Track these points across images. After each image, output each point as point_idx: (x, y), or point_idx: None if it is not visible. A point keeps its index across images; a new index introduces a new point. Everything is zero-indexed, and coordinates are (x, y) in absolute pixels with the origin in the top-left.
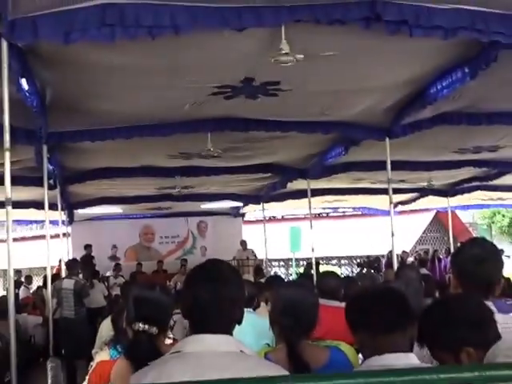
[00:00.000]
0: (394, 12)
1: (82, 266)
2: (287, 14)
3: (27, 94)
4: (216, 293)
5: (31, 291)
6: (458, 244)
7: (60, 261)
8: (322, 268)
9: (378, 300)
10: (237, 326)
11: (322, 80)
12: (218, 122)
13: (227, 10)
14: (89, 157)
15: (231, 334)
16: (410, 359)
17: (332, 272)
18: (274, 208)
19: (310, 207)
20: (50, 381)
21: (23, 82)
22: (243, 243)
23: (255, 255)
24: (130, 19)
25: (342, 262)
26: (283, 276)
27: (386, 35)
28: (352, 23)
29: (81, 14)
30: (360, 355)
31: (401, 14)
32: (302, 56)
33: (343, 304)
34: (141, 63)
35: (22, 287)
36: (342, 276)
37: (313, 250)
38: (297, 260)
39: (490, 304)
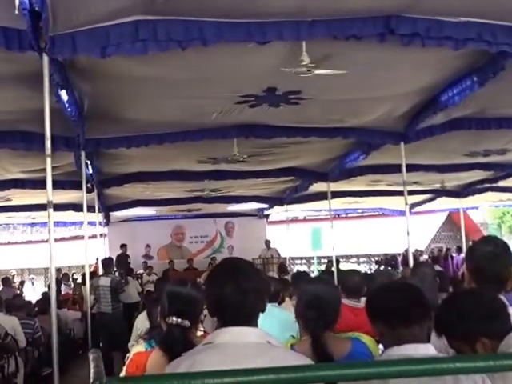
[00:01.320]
0: (408, 25)
1: (118, 264)
2: (307, 30)
3: (66, 105)
4: (237, 286)
5: (71, 287)
6: (470, 242)
7: (97, 259)
8: (342, 265)
9: (396, 294)
10: (263, 319)
11: (340, 89)
12: (243, 129)
13: (251, 25)
14: (124, 162)
15: (256, 325)
16: (428, 349)
17: (354, 270)
18: (297, 209)
19: (330, 208)
20: (92, 370)
21: (63, 93)
22: (267, 243)
23: (279, 254)
24: (161, 34)
25: (361, 259)
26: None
27: (400, 47)
28: (367, 36)
29: (116, 30)
30: (380, 346)
31: (414, 27)
32: (318, 72)
33: (363, 304)
34: (171, 75)
35: (63, 284)
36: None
37: (333, 248)
38: (318, 258)
39: (502, 298)
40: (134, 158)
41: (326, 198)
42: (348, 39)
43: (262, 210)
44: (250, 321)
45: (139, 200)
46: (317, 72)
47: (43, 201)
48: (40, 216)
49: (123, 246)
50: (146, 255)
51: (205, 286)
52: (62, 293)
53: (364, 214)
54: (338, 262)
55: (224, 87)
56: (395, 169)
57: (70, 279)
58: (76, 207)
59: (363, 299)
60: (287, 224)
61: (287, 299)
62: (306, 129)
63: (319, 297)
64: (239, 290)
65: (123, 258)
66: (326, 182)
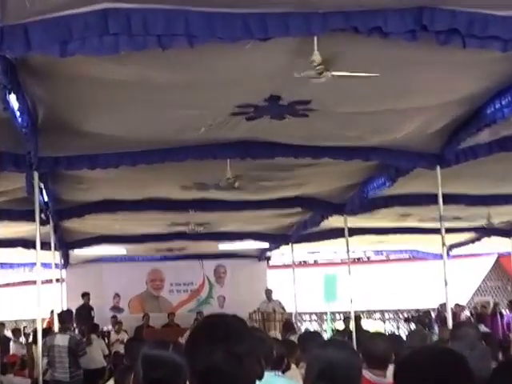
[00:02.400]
0: (444, 20)
1: (78, 318)
2: (320, 22)
3: (16, 113)
4: (229, 352)
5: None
6: None
7: (52, 312)
8: (363, 323)
9: (434, 365)
10: None
11: (359, 98)
12: (238, 147)
13: (250, 17)
14: (87, 187)
15: None
16: None
17: (379, 333)
18: (306, 250)
19: (347, 249)
20: None
21: (12, 98)
22: (269, 293)
23: (283, 307)
24: (136, 27)
25: (387, 316)
26: None
27: (434, 47)
28: (394, 33)
29: (79, 21)
30: None
31: (452, 22)
32: (336, 74)
33: (390, 379)
34: (149, 78)
35: (12, 343)
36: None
37: (351, 301)
38: (332, 314)
39: None
40: (100, 182)
41: (342, 237)
42: (371, 34)
43: (262, 250)
44: None
45: (106, 236)
46: (333, 74)
47: None
48: None
49: (85, 295)
50: (115, 307)
51: (186, 350)
52: (12, 352)
53: (390, 258)
54: (357, 318)
55: (215, 94)
56: (429, 200)
57: (22, 335)
58: (26, 244)
59: (390, 369)
60: (294, 269)
61: (293, 366)
62: (318, 148)
63: (334, 365)
64: (231, 356)
65: (85, 311)
66: (342, 216)
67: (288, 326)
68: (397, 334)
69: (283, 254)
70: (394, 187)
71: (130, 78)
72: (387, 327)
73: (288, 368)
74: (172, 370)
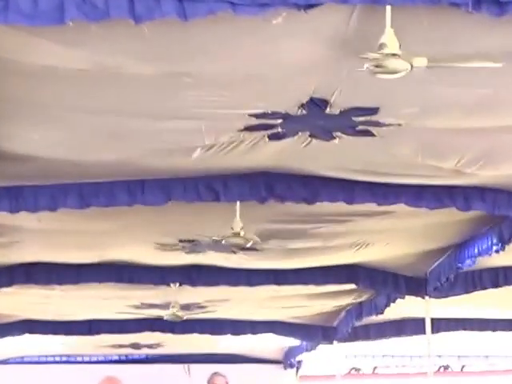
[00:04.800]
0: None
1: None
2: None
3: None
4: None
5: None
6: None
7: None
8: None
9: None
10: None
11: (460, 106)
12: (255, 182)
13: None
14: (9, 241)
15: None
16: None
17: None
18: (361, 352)
19: (429, 352)
20: None
21: None
22: None
23: None
24: None
25: None
26: None
27: None
28: None
29: None
30: None
31: None
32: (423, 60)
33: None
34: (113, 69)
35: None
36: None
37: None
38: None
39: None
40: (29, 234)
41: (421, 333)
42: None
43: (290, 351)
44: None
45: (34, 321)
46: (417, 65)
47: None
48: None
49: None
50: None
51: None
52: None
53: (496, 369)
54: None
55: (218, 96)
56: None
57: None
58: None
59: None
60: (341, 381)
61: None
62: (388, 187)
63: None
64: None
65: None
66: (422, 298)
67: None
68: None
69: (322, 358)
70: (506, 252)
71: (82, 68)
72: None
73: None
74: None
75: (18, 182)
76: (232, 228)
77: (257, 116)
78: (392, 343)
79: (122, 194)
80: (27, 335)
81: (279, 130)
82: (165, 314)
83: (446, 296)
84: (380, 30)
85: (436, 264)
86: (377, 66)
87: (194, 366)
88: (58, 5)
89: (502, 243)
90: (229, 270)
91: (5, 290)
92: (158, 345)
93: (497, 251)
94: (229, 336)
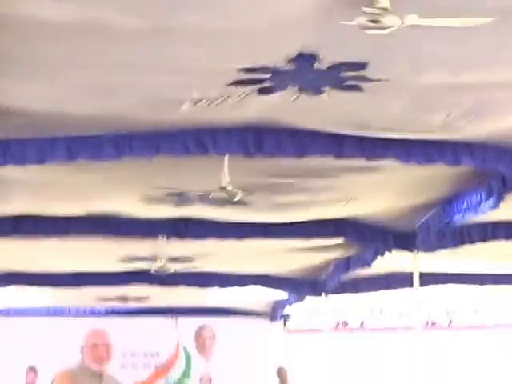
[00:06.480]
0: None
1: None
2: None
3: None
4: None
5: None
6: None
7: None
8: None
9: None
10: None
11: (449, 62)
12: (243, 137)
13: None
14: None
15: None
16: None
17: None
18: (349, 306)
19: (417, 307)
20: None
21: None
22: (282, 373)
23: None
24: None
25: None
26: None
27: None
28: None
29: None
30: None
31: None
32: (414, 17)
33: None
34: (99, 21)
35: None
36: None
37: None
38: None
39: None
40: (15, 186)
41: (409, 286)
42: None
43: (277, 304)
44: None
45: (20, 273)
46: (408, 23)
47: None
48: None
49: None
50: None
51: None
52: None
53: (484, 324)
54: None
55: (207, 50)
56: None
57: None
58: None
59: None
60: (328, 334)
61: None
62: (376, 141)
63: None
64: None
65: None
66: (411, 252)
67: None
68: None
69: (309, 311)
70: (498, 211)
71: (68, 21)
72: None
73: None
74: None
75: (5, 135)
76: (220, 182)
77: (245, 70)
78: (380, 298)
79: (109, 148)
80: (14, 287)
81: (268, 84)
82: (152, 266)
83: (435, 250)
84: None
85: (425, 218)
86: (371, 21)
87: (181, 319)
88: None
89: (496, 198)
90: (217, 224)
91: None
92: (145, 298)
93: (490, 208)
94: (216, 289)
